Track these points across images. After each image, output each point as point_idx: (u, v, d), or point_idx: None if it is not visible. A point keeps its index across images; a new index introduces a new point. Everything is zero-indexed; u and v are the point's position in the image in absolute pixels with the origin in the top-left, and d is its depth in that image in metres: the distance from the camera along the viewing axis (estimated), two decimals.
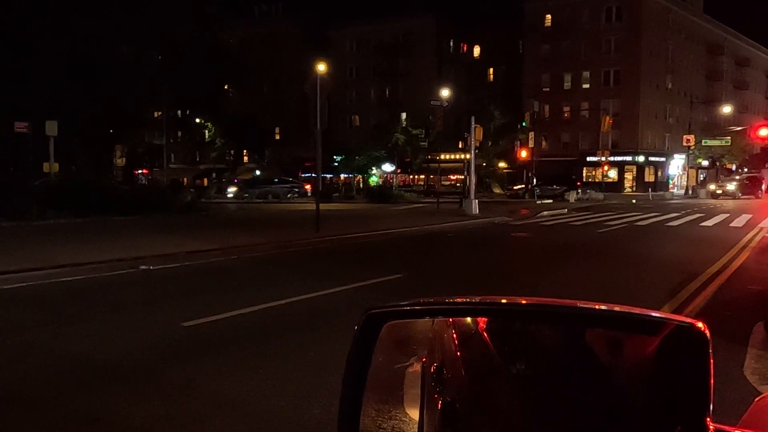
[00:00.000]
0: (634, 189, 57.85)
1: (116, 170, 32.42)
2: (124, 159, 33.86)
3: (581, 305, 0.96)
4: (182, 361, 5.08)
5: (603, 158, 49.80)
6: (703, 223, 20.53)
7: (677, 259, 11.32)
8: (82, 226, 15.78)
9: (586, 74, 61.12)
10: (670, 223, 20.61)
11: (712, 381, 0.79)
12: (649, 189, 49.68)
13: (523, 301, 1.03)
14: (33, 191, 18.54)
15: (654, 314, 0.89)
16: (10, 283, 8.36)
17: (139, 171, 45.26)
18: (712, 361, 0.80)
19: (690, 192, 52.16)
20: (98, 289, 8.48)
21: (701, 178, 62.94)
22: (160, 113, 36.19)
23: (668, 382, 0.83)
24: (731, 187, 43.18)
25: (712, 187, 45.93)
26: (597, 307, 0.94)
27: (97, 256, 10.21)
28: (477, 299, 1.07)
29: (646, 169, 60.98)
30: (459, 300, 1.09)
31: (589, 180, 55.73)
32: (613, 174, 57.52)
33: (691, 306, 7.03)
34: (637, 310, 0.90)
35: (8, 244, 11.68)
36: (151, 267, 9.93)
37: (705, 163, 61.72)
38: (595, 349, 0.95)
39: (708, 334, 0.81)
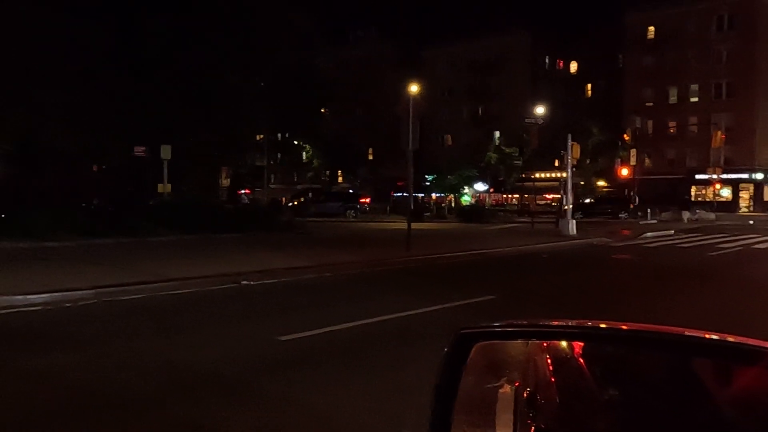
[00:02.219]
0: (752, 209, 53.24)
1: (221, 190, 34.47)
2: (229, 180, 35.94)
3: (686, 333, 0.91)
4: (278, 373, 5.26)
5: (714, 176, 46.32)
6: None
7: None
8: (190, 242, 16.86)
9: (694, 87, 57.40)
10: None
11: None
12: None
13: (624, 327, 0.99)
14: (148, 210, 20.09)
15: (763, 345, 0.83)
16: (126, 294, 9.08)
17: (242, 191, 47.79)
18: None
19: None
20: (203, 302, 9.01)
21: None
22: (262, 136, 38.19)
23: (762, 414, 0.76)
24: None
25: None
26: (702, 335, 0.89)
27: (203, 271, 10.87)
28: (572, 323, 1.04)
29: (766, 188, 56.00)
30: (553, 323, 1.06)
31: (699, 199, 52.02)
32: (726, 193, 53.34)
33: None
34: (744, 340, 0.84)
35: (127, 258, 12.69)
36: (252, 282, 10.41)
37: None
38: (701, 379, 0.90)
39: None
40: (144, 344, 6.36)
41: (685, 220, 35.65)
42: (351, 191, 47.55)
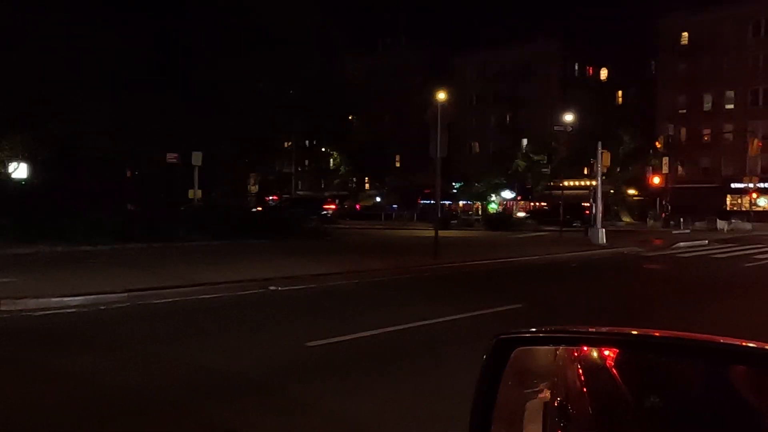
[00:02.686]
0: None
1: (250, 197, 34.84)
2: (257, 186, 36.33)
3: (721, 340, 0.90)
4: (306, 379, 5.31)
5: (750, 185, 45.13)
6: None
7: None
8: (220, 248, 17.11)
9: (730, 94, 56.06)
10: None
11: None
12: None
13: (659, 334, 0.99)
14: (180, 216, 20.46)
15: None
16: (158, 298, 9.27)
17: (270, 197, 48.24)
18: None
19: None
20: (232, 307, 9.13)
21: None
22: (290, 143, 38.57)
23: None
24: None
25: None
26: (741, 343, 0.88)
27: (232, 276, 11.02)
28: (607, 329, 1.04)
29: None
30: (589, 329, 1.07)
31: (734, 209, 50.71)
32: (763, 202, 51.85)
33: None
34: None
35: (159, 263, 12.96)
36: (280, 288, 10.51)
37: None
38: (737, 387, 0.89)
39: None
40: (172, 347, 6.47)
41: (722, 230, 34.74)
42: (316, 198, 47.12)
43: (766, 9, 53.53)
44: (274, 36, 24.31)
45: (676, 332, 0.96)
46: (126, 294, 9.12)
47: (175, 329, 7.47)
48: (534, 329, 1.08)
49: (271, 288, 10.46)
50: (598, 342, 1.12)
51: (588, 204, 34.94)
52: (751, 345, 0.87)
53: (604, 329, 1.05)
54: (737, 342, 0.89)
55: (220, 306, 9.17)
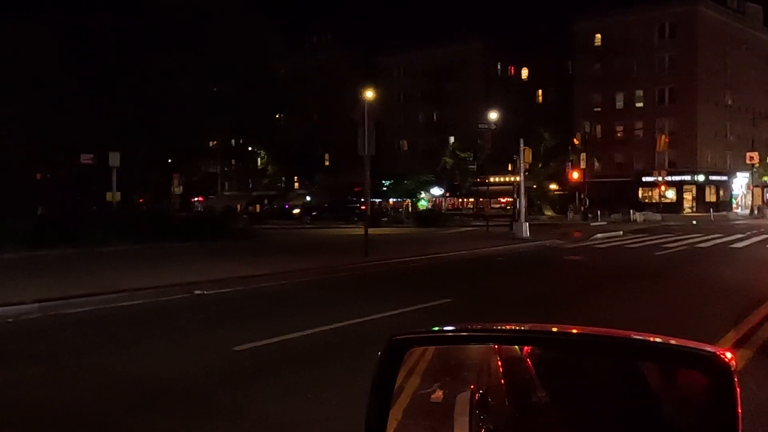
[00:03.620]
0: (695, 210, 55.57)
1: (174, 198, 33.65)
2: (181, 187, 35.14)
3: (634, 336, 0.93)
4: (233, 384, 5.16)
5: (659, 178, 48.21)
6: None
7: (743, 284, 10.76)
8: (141, 252, 16.40)
9: (640, 93, 59.62)
10: (735, 245, 19.66)
11: (739, 411, 0.75)
12: (710, 209, 47.64)
13: (555, 329, 1.01)
14: (97, 219, 19.42)
15: (674, 343, 0.86)
16: (72, 307, 8.74)
17: (195, 198, 46.72)
18: (738, 391, 0.76)
19: (756, 212, 49.76)
20: (155, 314, 8.76)
21: (767, 197, 60.03)
22: (215, 142, 37.53)
23: (696, 413, 0.79)
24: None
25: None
26: (615, 335, 0.91)
27: (155, 282, 10.57)
28: (504, 326, 1.05)
29: (707, 189, 58.57)
30: (489, 327, 1.08)
31: (646, 201, 54.05)
32: (671, 194, 55.51)
33: (757, 334, 6.65)
34: (656, 338, 0.87)
35: (74, 270, 12.24)
36: (205, 292, 10.19)
37: None
38: (640, 379, 0.92)
39: (733, 364, 0.77)
40: (93, 359, 6.13)
41: (636, 221, 36.93)
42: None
43: (670, 13, 57.27)
44: (198, 32, 23.52)
45: (584, 328, 0.98)
46: (37, 305, 8.54)
47: (92, 340, 7.07)
48: (428, 329, 1.09)
49: (197, 292, 10.12)
50: (490, 340, 1.14)
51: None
52: (657, 340, 0.90)
53: (497, 326, 1.06)
54: (610, 334, 0.92)
55: (141, 313, 8.77)
